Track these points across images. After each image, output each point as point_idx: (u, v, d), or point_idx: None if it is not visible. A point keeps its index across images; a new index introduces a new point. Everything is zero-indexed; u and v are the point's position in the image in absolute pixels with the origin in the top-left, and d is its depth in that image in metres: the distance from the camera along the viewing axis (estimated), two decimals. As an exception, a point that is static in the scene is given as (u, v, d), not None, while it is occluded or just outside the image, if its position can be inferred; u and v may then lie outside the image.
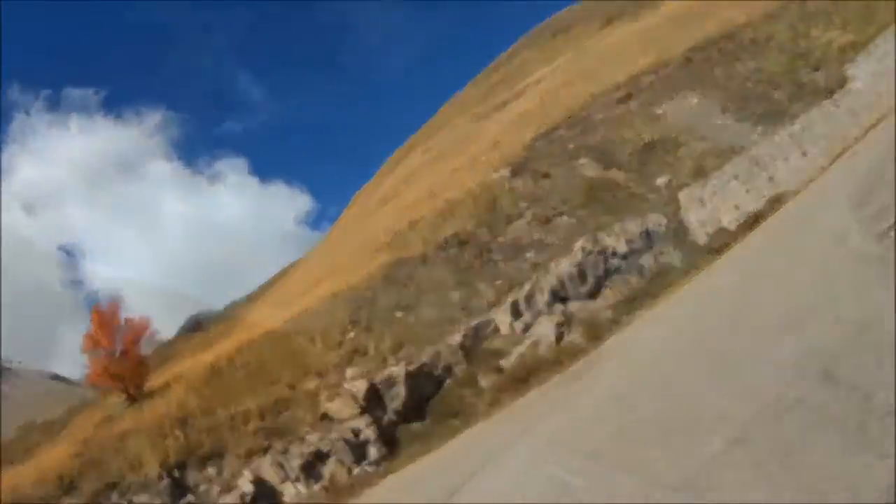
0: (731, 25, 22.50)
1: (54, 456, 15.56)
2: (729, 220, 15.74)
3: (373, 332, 15.79)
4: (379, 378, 14.26)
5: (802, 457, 5.11)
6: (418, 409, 14.12)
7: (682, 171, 17.35)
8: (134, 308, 25.79)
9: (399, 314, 16.09)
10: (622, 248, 15.86)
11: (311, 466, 13.34)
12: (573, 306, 15.10)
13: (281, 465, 13.40)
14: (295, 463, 13.37)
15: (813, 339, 6.87)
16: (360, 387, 14.04)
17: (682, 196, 16.67)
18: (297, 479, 13.16)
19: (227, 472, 13.68)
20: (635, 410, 7.94)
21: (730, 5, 24.17)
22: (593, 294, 15.43)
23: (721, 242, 15.22)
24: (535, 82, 36.76)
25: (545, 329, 14.51)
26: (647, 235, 16.06)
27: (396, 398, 14.11)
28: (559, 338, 14.22)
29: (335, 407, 14.04)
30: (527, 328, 14.89)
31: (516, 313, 15.13)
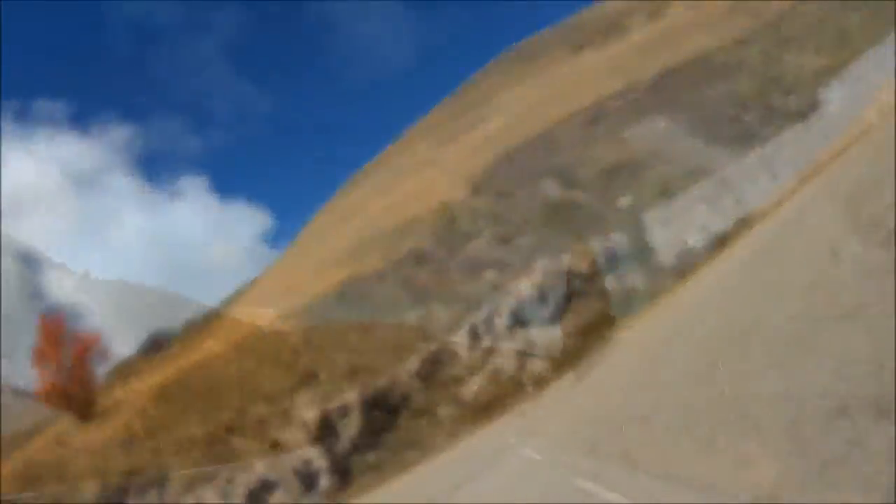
0: (701, 51, 22.56)
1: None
2: (695, 241, 15.54)
3: (325, 355, 15.24)
4: (332, 405, 13.71)
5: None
6: (373, 439, 13.57)
7: (646, 193, 17.17)
8: (94, 323, 24.95)
9: (353, 337, 15.56)
10: (585, 268, 15.56)
11: (257, 496, 12.70)
12: (534, 333, 14.70)
13: (225, 494, 12.75)
14: (240, 491, 12.73)
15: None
16: (312, 414, 13.47)
17: (647, 217, 16.47)
18: (240, 510, 12.54)
19: (168, 498, 13.01)
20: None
21: (701, 31, 24.28)
22: (554, 318, 15.07)
23: (687, 263, 14.97)
24: (502, 106, 36.70)
25: (505, 358, 14.10)
26: (611, 256, 15.78)
27: (350, 427, 13.55)
28: (520, 367, 13.82)
29: (285, 435, 13.44)
30: (486, 354, 14.45)
31: (475, 336, 14.70)
